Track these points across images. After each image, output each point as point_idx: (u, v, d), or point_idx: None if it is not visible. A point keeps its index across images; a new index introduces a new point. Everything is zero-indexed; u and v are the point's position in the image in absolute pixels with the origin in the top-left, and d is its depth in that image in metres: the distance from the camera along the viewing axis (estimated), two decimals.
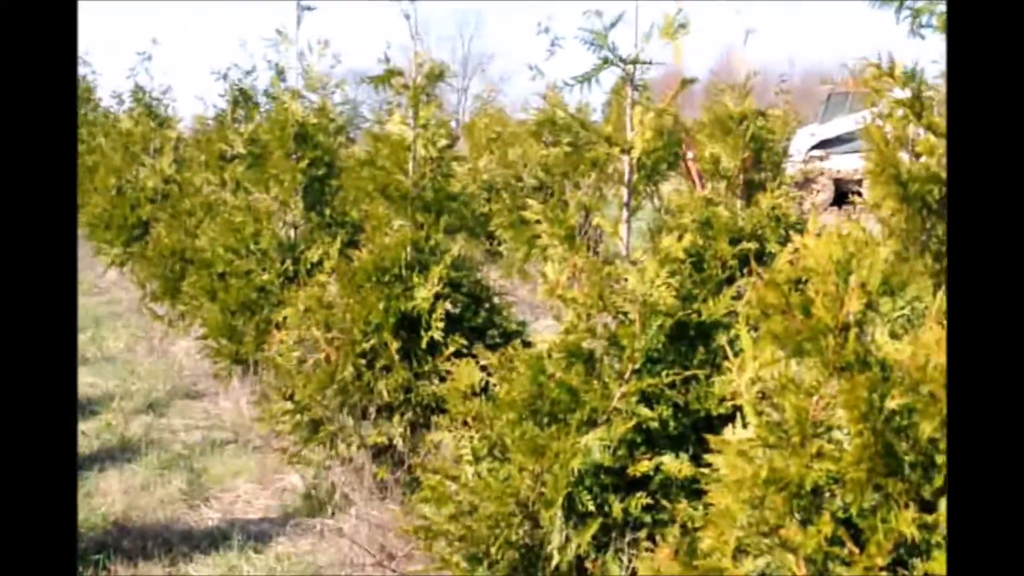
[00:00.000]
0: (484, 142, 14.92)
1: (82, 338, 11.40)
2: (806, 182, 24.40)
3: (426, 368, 6.39)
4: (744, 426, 3.15)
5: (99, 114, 21.27)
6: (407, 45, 6.73)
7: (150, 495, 6.76)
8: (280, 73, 16.39)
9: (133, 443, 7.78)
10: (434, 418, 5.03)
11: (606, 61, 4.43)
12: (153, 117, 14.91)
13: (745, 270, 7.91)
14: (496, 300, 6.93)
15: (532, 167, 13.50)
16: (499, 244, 13.61)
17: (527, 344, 6.93)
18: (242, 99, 12.81)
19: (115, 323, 12.33)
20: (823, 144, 25.89)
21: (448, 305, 6.42)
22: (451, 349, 6.34)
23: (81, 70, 23.59)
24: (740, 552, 2.89)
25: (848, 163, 25.69)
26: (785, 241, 9.28)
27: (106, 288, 14.89)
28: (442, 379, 6.34)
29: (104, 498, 6.65)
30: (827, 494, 2.87)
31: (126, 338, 11.44)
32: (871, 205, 3.10)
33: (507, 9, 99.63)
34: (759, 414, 3.05)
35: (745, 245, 8.69)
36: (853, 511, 2.75)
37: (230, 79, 14.97)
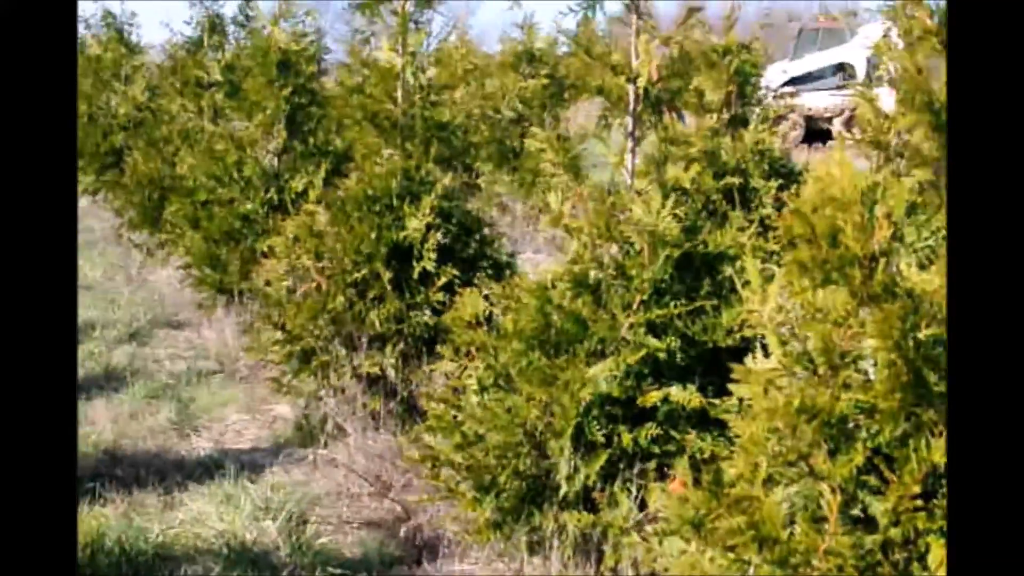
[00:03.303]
0: (460, 73, 14.81)
1: None
2: (778, 119, 24.42)
3: (418, 299, 6.36)
4: (766, 355, 3.15)
5: None
6: None
7: (139, 424, 6.73)
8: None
9: (118, 372, 7.74)
10: (437, 347, 5.00)
11: None
12: (124, 43, 14.68)
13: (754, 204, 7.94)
14: (486, 231, 6.90)
15: (510, 99, 13.41)
16: (477, 176, 13.54)
17: (515, 275, 6.94)
18: (218, 25, 12.63)
19: (91, 252, 12.20)
20: (793, 81, 25.82)
21: (439, 235, 6.38)
22: (443, 280, 6.32)
23: None
24: (766, 481, 2.91)
25: (818, 100, 25.73)
26: (769, 176, 9.29)
27: (78, 216, 14.74)
28: (434, 310, 6.33)
29: (93, 426, 6.61)
30: (852, 424, 2.88)
31: (103, 267, 11.34)
32: (904, 131, 3.08)
33: None
34: (783, 344, 3.06)
35: (729, 179, 8.67)
36: (881, 440, 2.76)
37: (203, 5, 14.77)
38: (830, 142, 25.53)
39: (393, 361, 6.37)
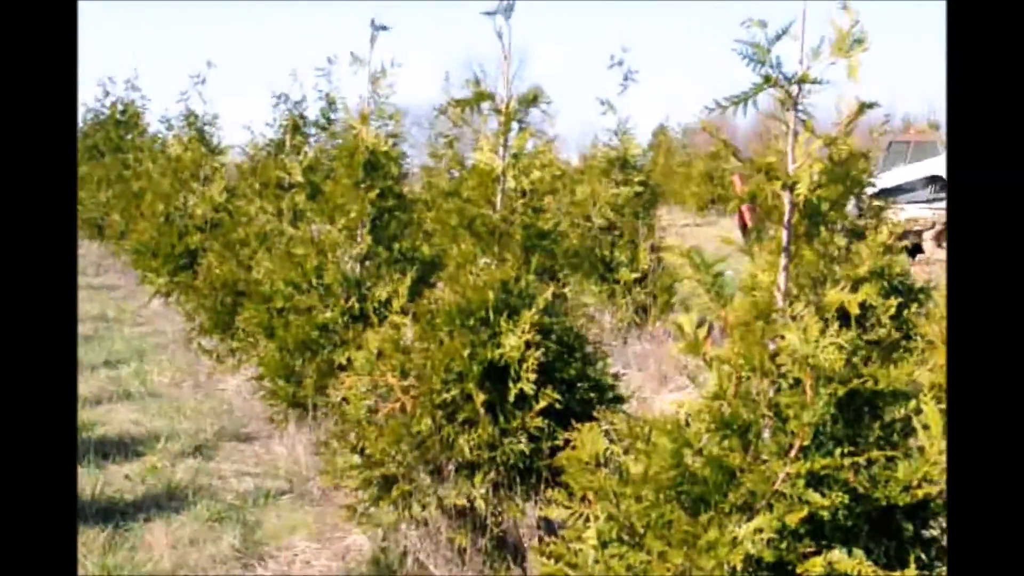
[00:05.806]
0: (548, 179, 14.25)
1: (125, 371, 10.80)
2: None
3: (514, 424, 5.69)
4: None
5: (147, 139, 20.82)
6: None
7: (200, 551, 6.10)
8: (331, 103, 15.87)
9: (180, 490, 7.14)
10: (549, 492, 4.30)
11: (768, 79, 3.76)
12: (204, 144, 14.33)
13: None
14: (589, 349, 6.24)
15: (601, 206, 12.82)
16: (563, 286, 12.93)
17: (618, 399, 6.26)
18: (302, 125, 12.27)
19: (159, 356, 11.70)
20: (883, 193, 25.11)
21: (539, 354, 5.73)
22: (542, 403, 5.66)
23: (130, 95, 23.25)
24: None
25: (908, 213, 25.02)
26: (888, 293, 8.56)
27: (149, 318, 14.28)
28: (531, 437, 5.67)
29: (149, 553, 6.00)
30: None
31: (171, 373, 10.79)
32: None
33: (549, 50, 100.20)
34: None
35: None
36: None
37: (284, 106, 14.49)
38: (919, 255, 24.76)
39: (483, 492, 5.69)
